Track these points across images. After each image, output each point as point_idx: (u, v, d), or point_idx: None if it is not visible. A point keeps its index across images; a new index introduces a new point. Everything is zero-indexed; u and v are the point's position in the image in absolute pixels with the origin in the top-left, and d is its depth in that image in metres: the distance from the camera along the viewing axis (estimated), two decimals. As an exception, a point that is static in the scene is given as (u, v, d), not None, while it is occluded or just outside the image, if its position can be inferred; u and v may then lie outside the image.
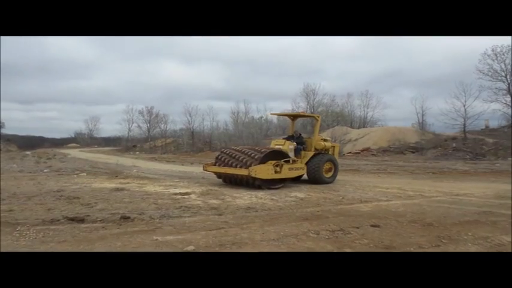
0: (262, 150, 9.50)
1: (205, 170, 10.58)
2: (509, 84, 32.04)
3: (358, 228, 4.94)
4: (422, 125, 38.79)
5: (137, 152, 45.22)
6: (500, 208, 6.61)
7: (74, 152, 41.49)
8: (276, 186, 9.22)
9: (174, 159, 28.53)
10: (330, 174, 10.98)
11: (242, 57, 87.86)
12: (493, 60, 32.29)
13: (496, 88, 32.29)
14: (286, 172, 9.46)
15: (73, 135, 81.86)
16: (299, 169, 9.99)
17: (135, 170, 15.09)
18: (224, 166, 9.73)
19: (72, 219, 5.14)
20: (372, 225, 5.08)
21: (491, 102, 31.74)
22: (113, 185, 9.40)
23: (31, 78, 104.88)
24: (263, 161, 9.08)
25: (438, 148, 28.20)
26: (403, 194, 8.45)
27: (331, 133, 31.11)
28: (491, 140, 29.10)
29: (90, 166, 16.97)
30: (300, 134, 11.85)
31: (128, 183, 10.08)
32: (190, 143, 45.70)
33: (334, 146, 12.10)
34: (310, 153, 10.77)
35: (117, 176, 12.01)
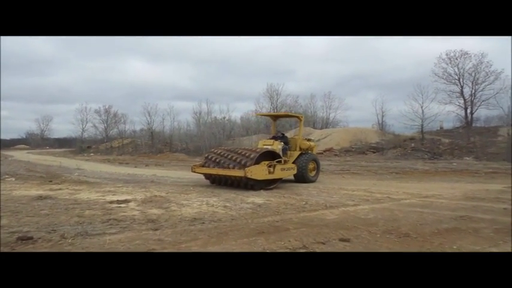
0: (257, 150, 9.22)
1: (194, 172, 10.08)
2: (462, 87, 33.37)
3: (324, 244, 4.02)
4: (382, 126, 39.50)
5: (91, 154, 42.34)
6: (476, 212, 6.02)
7: (20, 154, 37.97)
8: (270, 187, 9.06)
9: (130, 160, 26.62)
10: (313, 173, 11.15)
11: (212, 57, 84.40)
12: (447, 64, 33.54)
13: (450, 91, 33.55)
14: (279, 172, 9.33)
15: (24, 136, 75.94)
16: (290, 169, 9.96)
17: (76, 174, 13.42)
18: (215, 167, 9.35)
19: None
20: (341, 239, 4.19)
21: (446, 104, 32.95)
22: (39, 192, 7.92)
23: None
24: (258, 161, 8.81)
25: (398, 148, 28.54)
26: (370, 197, 7.72)
27: (294, 133, 30.62)
28: (447, 140, 29.95)
29: (25, 170, 15.02)
30: (283, 134, 11.71)
31: (60, 189, 8.61)
32: (150, 144, 43.53)
33: (314, 146, 12.19)
34: (296, 153, 10.84)
35: (51, 181, 10.40)
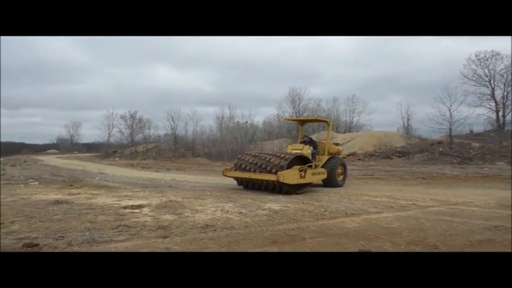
0: (287, 156, 9.18)
1: (226, 176, 10.22)
2: (493, 89, 31.86)
3: (337, 252, 3.71)
4: (408, 130, 38.23)
5: (117, 158, 43.25)
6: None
7: (49, 159, 39.32)
8: (301, 191, 9.13)
9: (153, 165, 26.92)
10: (341, 177, 11.14)
11: (237, 61, 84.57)
12: (477, 66, 32.13)
13: (480, 93, 32.09)
14: (310, 177, 9.42)
15: (55, 141, 78.78)
16: (320, 173, 10.04)
17: (97, 178, 13.59)
18: (246, 171, 9.48)
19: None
20: (361, 251, 3.86)
21: (476, 106, 31.50)
22: (57, 196, 7.96)
23: (18, 81, 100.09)
24: (289, 166, 8.88)
25: (425, 152, 27.47)
26: (394, 204, 7.29)
27: (317, 137, 30.15)
28: (477, 144, 28.59)
29: (50, 174, 15.38)
30: (311, 139, 11.76)
31: (78, 193, 8.64)
32: (173, 149, 44.04)
33: (341, 150, 12.23)
34: (325, 157, 10.85)
35: (71, 185, 10.52)
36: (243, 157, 10.09)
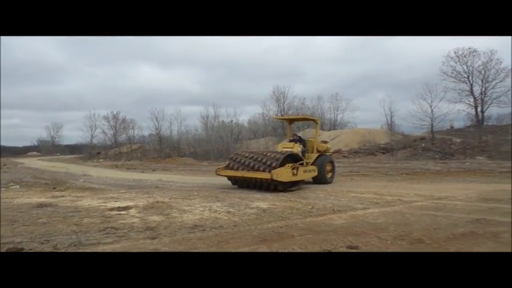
0: (279, 156, 9.33)
1: (218, 174, 10.28)
2: (471, 85, 32.68)
3: (330, 251, 3.76)
4: (391, 126, 38.89)
5: (100, 160, 42.49)
6: (493, 214, 5.68)
7: (31, 161, 38.34)
8: (293, 188, 9.33)
9: (138, 166, 26.58)
10: (330, 174, 11.38)
11: (221, 61, 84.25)
12: (456, 63, 32.90)
13: (460, 89, 32.86)
14: (302, 174, 9.62)
15: (36, 143, 76.73)
16: (312, 171, 10.27)
17: (81, 180, 13.34)
18: (239, 170, 9.61)
19: None
20: (349, 247, 3.92)
21: (456, 102, 32.26)
22: (41, 200, 7.79)
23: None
24: (282, 164, 9.06)
25: (408, 148, 28.03)
26: (380, 200, 7.42)
27: (302, 135, 30.30)
28: (458, 140, 29.31)
29: (32, 177, 15.01)
30: (300, 137, 11.82)
31: (63, 196, 8.47)
32: (158, 149, 43.57)
33: (329, 148, 12.46)
34: (314, 155, 11.08)
35: (54, 188, 10.29)
36: (235, 157, 10.19)
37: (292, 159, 9.64)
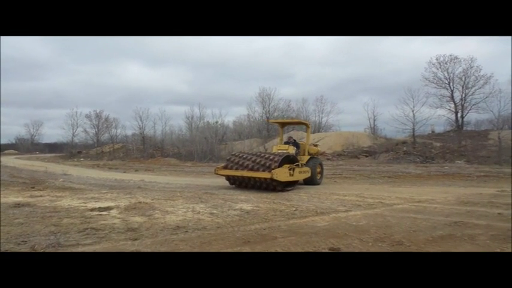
0: (277, 157, 9.63)
1: (217, 174, 10.52)
2: (452, 91, 33.60)
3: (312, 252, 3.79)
4: (374, 130, 39.56)
5: (81, 159, 41.60)
6: (470, 217, 5.84)
7: (7, 159, 37.18)
8: (289, 188, 9.78)
9: (120, 166, 26.13)
10: (319, 176, 11.83)
11: (210, 60, 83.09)
12: (437, 69, 33.78)
13: (441, 95, 33.77)
14: (297, 175, 10.06)
15: (13, 141, 74.30)
16: (306, 172, 10.70)
17: (61, 180, 13.02)
18: (238, 169, 9.86)
19: None
20: (331, 248, 3.96)
21: (437, 108, 33.15)
22: (18, 199, 7.57)
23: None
24: (281, 164, 9.44)
25: (390, 152, 28.51)
26: (362, 202, 7.52)
27: (287, 138, 30.45)
28: (438, 144, 30.02)
29: (9, 175, 14.57)
30: (295, 140, 12.25)
31: (41, 196, 8.26)
32: (141, 149, 42.96)
33: (319, 151, 13.02)
34: (306, 157, 11.47)
35: (33, 187, 10.02)
36: (232, 158, 10.47)
37: (288, 160, 10.01)
